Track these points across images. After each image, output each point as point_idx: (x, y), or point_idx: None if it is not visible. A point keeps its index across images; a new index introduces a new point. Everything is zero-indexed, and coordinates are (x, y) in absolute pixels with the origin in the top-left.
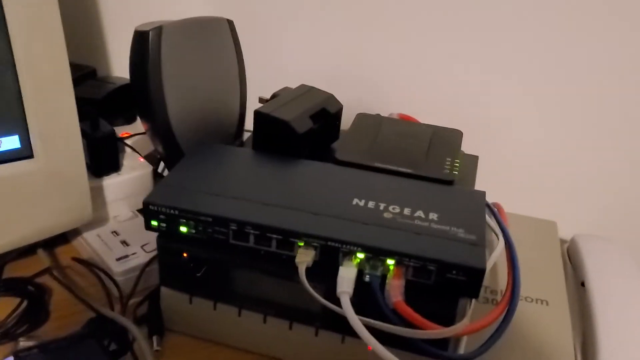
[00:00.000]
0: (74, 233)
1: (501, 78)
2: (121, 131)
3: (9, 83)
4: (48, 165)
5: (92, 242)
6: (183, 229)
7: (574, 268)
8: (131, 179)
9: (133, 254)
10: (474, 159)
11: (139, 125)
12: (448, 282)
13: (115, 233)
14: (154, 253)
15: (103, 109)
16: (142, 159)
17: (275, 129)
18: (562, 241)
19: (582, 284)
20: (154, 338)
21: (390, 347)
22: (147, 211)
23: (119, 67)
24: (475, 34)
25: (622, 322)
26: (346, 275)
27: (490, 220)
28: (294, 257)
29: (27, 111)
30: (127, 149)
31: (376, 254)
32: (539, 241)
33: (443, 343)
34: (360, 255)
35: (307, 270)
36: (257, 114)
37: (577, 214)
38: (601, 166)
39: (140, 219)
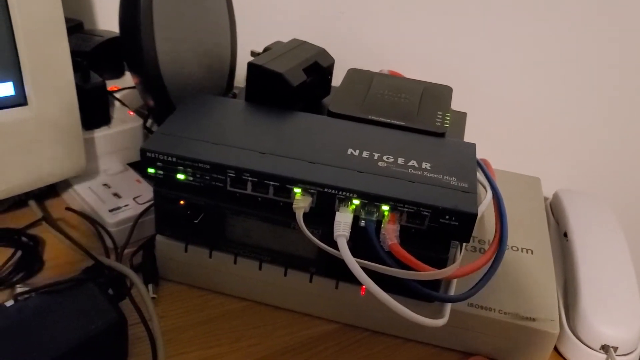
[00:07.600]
0: (65, 186)
1: (488, 39)
2: (109, 85)
3: (3, 30)
4: (42, 113)
5: (84, 194)
6: (180, 176)
7: (557, 220)
8: (122, 132)
9: (125, 205)
10: (462, 115)
11: (126, 80)
12: (441, 226)
13: (106, 186)
14: (147, 205)
15: (91, 62)
16: (132, 113)
17: (268, 81)
18: (545, 198)
19: (565, 235)
20: (149, 286)
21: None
22: (144, 158)
23: (105, 21)
24: None
25: (601, 269)
26: (343, 220)
27: (478, 175)
28: (291, 203)
29: (21, 58)
30: (117, 103)
31: (372, 200)
32: (524, 196)
33: (435, 286)
34: (356, 202)
35: (304, 216)
36: (251, 65)
37: (559, 171)
38: (582, 125)
39: (132, 172)
